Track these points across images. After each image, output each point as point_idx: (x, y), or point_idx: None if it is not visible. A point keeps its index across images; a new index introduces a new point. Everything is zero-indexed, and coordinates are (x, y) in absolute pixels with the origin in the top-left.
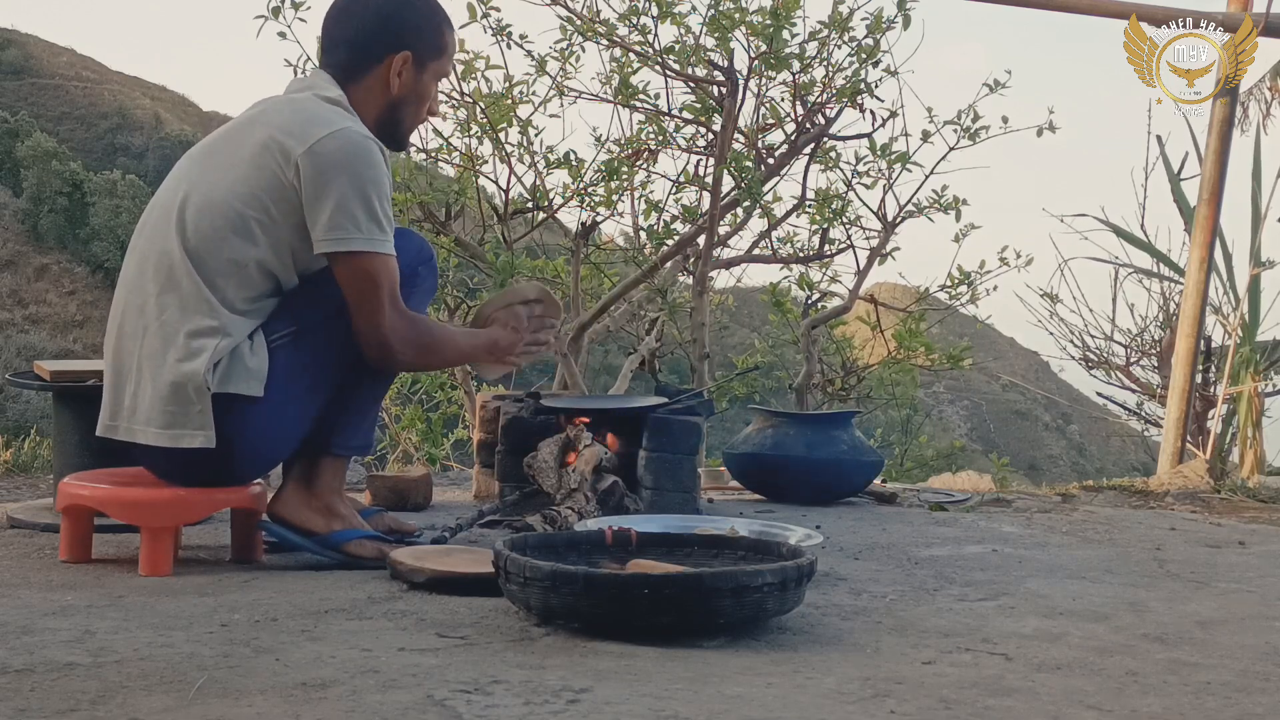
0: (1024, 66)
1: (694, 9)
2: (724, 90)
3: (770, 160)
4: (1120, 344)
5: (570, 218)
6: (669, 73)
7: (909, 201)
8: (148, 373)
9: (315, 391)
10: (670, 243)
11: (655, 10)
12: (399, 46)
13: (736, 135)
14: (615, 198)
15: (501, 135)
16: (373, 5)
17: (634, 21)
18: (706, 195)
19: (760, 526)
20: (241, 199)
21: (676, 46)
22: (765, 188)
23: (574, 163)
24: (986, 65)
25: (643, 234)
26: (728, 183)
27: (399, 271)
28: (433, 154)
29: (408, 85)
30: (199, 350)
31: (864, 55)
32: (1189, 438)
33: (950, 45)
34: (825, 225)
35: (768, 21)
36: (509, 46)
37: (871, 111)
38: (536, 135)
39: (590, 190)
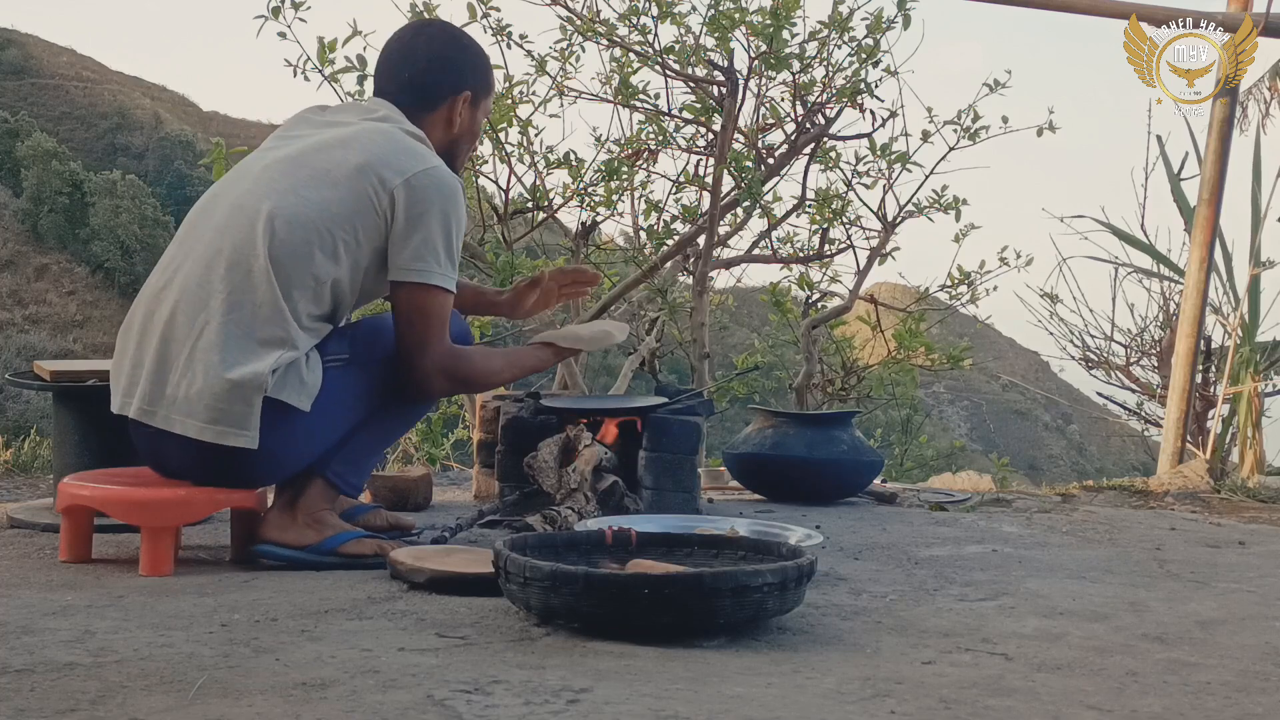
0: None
1: (694, 9)
2: (724, 90)
3: (770, 160)
4: (1120, 344)
5: (570, 218)
6: (669, 73)
7: (909, 201)
8: (201, 367)
9: (346, 419)
10: (670, 243)
11: (655, 10)
12: (460, 87)
13: (736, 135)
14: (615, 198)
15: (501, 135)
16: (434, 48)
17: (634, 21)
18: (706, 195)
19: (760, 526)
20: (334, 219)
21: (676, 46)
22: (765, 188)
23: (574, 163)
24: (985, 65)
25: (643, 234)
26: (728, 183)
27: None
28: None
29: (465, 124)
30: (266, 356)
31: (864, 55)
32: (1189, 438)
33: (948, 45)
34: (825, 225)
35: (768, 21)
36: (509, 46)
37: (871, 111)
38: (536, 135)
39: (590, 190)
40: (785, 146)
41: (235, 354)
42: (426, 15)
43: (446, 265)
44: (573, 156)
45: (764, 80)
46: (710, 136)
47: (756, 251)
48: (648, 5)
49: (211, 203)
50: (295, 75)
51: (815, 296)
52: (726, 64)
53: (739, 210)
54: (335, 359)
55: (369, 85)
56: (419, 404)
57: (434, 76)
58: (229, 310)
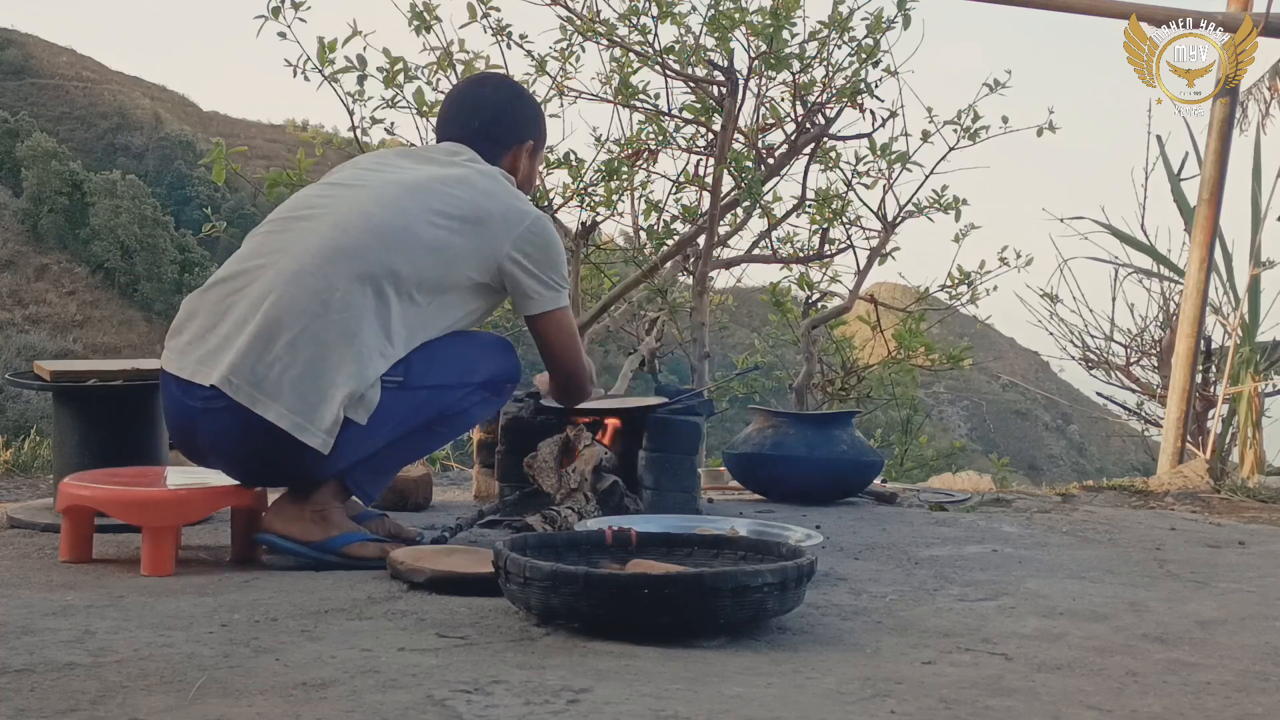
0: (1024, 66)
1: (694, 9)
2: (724, 90)
3: (770, 160)
4: (1120, 344)
5: (570, 218)
6: (669, 73)
7: (909, 201)
8: (306, 357)
9: (384, 436)
10: (670, 243)
11: (655, 10)
12: (524, 137)
13: (736, 135)
14: (615, 198)
15: None
16: (500, 99)
17: (634, 21)
18: (706, 195)
19: (760, 526)
20: (459, 254)
21: (676, 46)
22: (765, 188)
23: (574, 163)
24: (984, 65)
25: (643, 234)
26: (728, 183)
27: (488, 375)
28: None
29: (526, 171)
30: (368, 368)
31: (864, 55)
32: (1189, 438)
33: (948, 45)
34: (825, 225)
35: (768, 21)
36: (509, 46)
37: (871, 111)
38: None
39: (590, 190)
40: (785, 146)
41: (341, 357)
42: (427, 16)
43: (565, 285)
44: (573, 156)
45: (764, 80)
46: (710, 136)
47: (756, 251)
48: (648, 5)
49: (320, 202)
50: (295, 75)
51: (815, 296)
52: (726, 64)
53: (739, 210)
54: (391, 380)
55: (369, 85)
56: (474, 420)
57: (500, 128)
58: (361, 316)
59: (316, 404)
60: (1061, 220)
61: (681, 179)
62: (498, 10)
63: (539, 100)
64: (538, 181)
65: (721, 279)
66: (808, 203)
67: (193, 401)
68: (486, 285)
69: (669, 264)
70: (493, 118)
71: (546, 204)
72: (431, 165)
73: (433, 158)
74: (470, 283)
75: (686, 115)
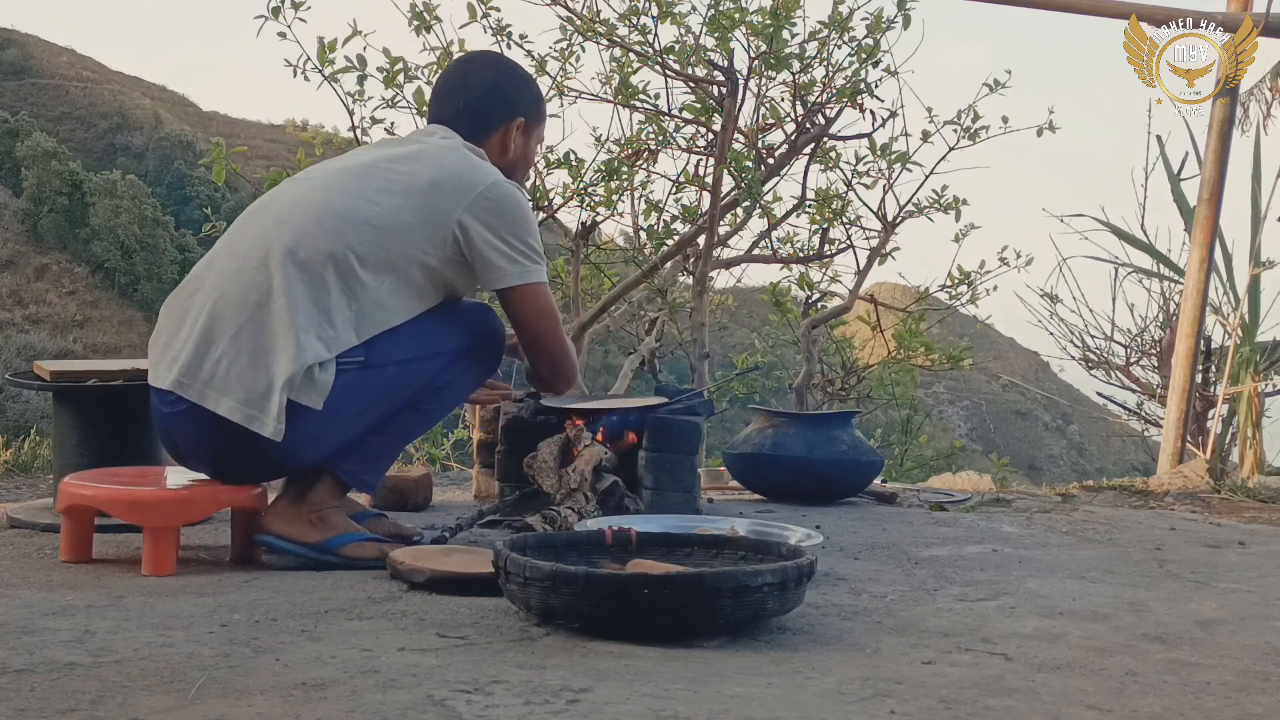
0: (1024, 66)
1: (694, 9)
2: (724, 90)
3: (770, 160)
4: (1120, 344)
5: (570, 218)
6: (669, 73)
7: (909, 201)
8: (246, 349)
9: (359, 420)
10: (670, 243)
11: (655, 10)
12: (513, 114)
13: (736, 135)
14: (615, 198)
15: None
16: (490, 76)
17: (634, 21)
18: (706, 195)
19: (760, 526)
20: (404, 228)
21: (676, 46)
22: (765, 188)
23: (574, 163)
24: (984, 65)
25: (643, 234)
26: (728, 183)
27: (463, 342)
28: None
29: (519, 150)
30: (314, 352)
31: (864, 55)
32: (1189, 438)
33: (948, 45)
34: (825, 225)
35: (768, 21)
36: (509, 46)
37: (871, 111)
38: None
39: (590, 190)
40: (785, 146)
41: (283, 344)
42: (427, 16)
43: (543, 259)
44: (573, 156)
45: (764, 80)
46: (710, 136)
47: (756, 251)
48: (648, 5)
49: (271, 199)
50: (295, 75)
51: (815, 296)
52: (726, 64)
53: (739, 210)
54: (350, 361)
55: (369, 85)
56: (459, 393)
57: (487, 104)
58: (293, 300)
59: (265, 394)
60: (1061, 219)
61: (681, 179)
62: (498, 10)
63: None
64: (536, 166)
65: (721, 279)
66: (808, 203)
67: (165, 407)
68: (450, 259)
69: (669, 264)
70: (478, 96)
71: (547, 204)
72: (388, 147)
73: (401, 140)
74: (427, 257)
75: (686, 115)
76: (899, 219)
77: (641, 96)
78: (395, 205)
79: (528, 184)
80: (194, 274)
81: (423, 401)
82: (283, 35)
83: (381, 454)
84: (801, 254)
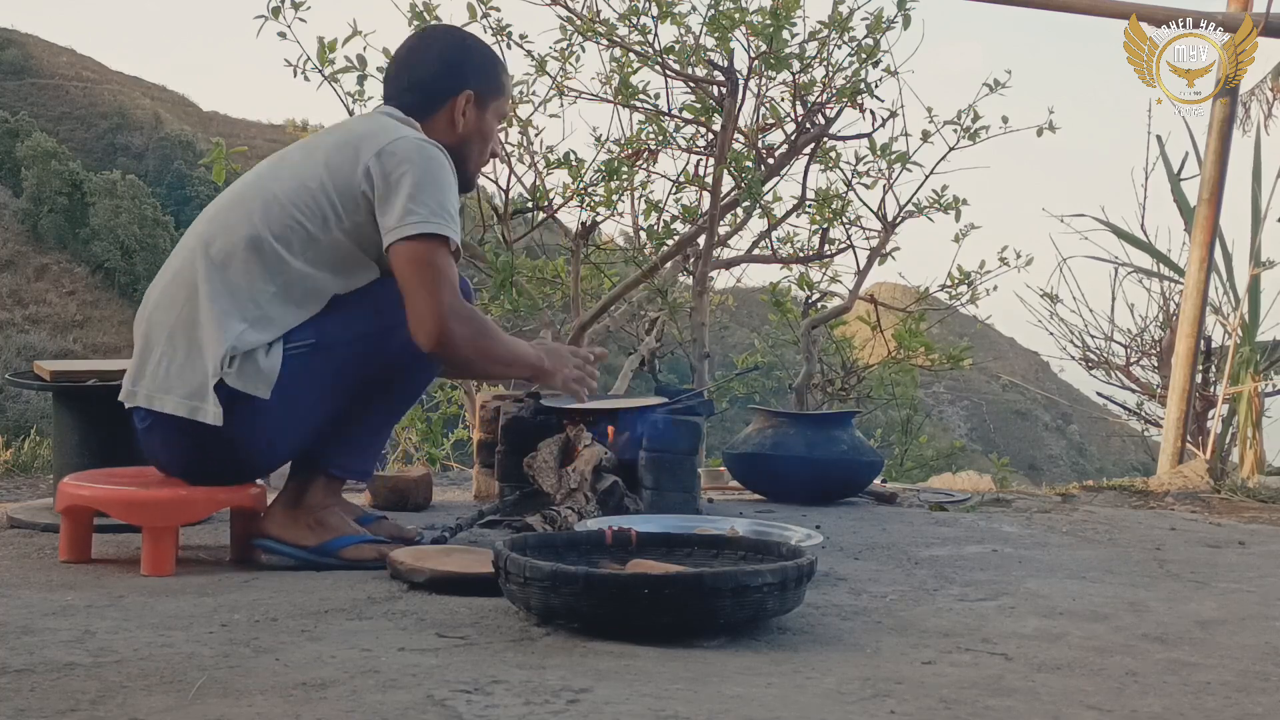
0: (1023, 66)
1: (694, 9)
2: (724, 90)
3: (770, 160)
4: (1120, 344)
5: (570, 218)
6: (669, 73)
7: (909, 201)
8: (181, 344)
9: (320, 406)
10: (670, 243)
11: (655, 10)
12: (461, 87)
13: (736, 135)
14: (615, 198)
15: (501, 135)
16: (435, 49)
17: (634, 21)
18: (706, 195)
19: (760, 526)
20: (309, 192)
21: (676, 46)
22: (765, 188)
23: (574, 163)
24: (984, 65)
25: (643, 234)
26: (728, 183)
27: None
28: None
29: (471, 124)
30: (236, 332)
31: (864, 55)
32: (1189, 438)
33: (948, 45)
34: (825, 225)
35: (768, 21)
36: (509, 46)
37: (871, 111)
38: (536, 135)
39: (590, 190)
40: (785, 146)
41: (208, 333)
42: (427, 16)
43: (443, 215)
44: (573, 156)
45: (764, 80)
46: (710, 136)
47: (756, 251)
48: (648, 5)
49: (215, 201)
50: (295, 75)
51: (815, 296)
52: (726, 64)
53: (739, 210)
54: (299, 345)
55: (369, 85)
56: (432, 365)
57: (433, 78)
58: (211, 290)
59: (204, 384)
60: (1061, 219)
61: (681, 179)
62: (498, 10)
63: (496, 56)
64: (537, 166)
65: (721, 279)
66: (808, 203)
67: (139, 424)
68: (366, 222)
69: (669, 264)
70: (425, 71)
71: (547, 204)
72: (320, 134)
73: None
74: (342, 222)
75: (686, 115)
76: (899, 219)
77: (641, 96)
78: (300, 176)
79: (529, 183)
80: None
81: (393, 378)
82: (283, 35)
83: (368, 440)
84: (801, 254)
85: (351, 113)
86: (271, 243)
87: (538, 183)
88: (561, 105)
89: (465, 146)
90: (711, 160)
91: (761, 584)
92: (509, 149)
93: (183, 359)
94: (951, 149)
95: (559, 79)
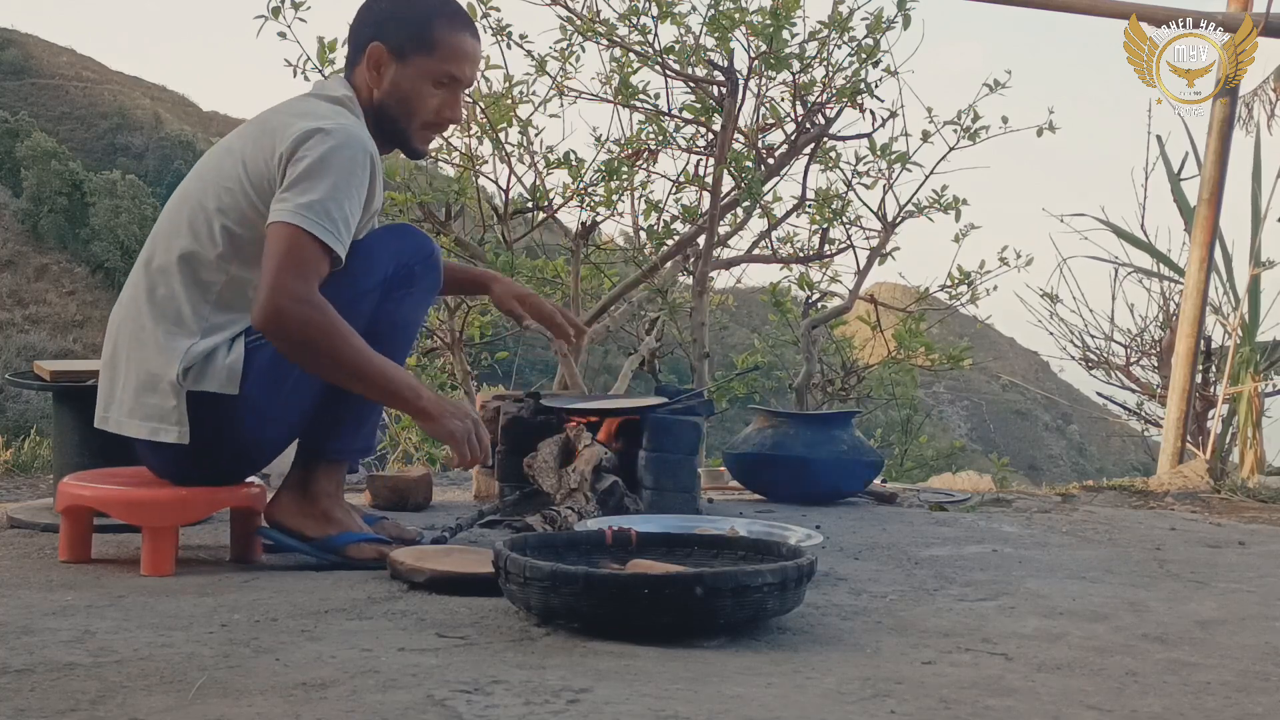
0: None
1: (694, 9)
2: (724, 90)
3: (770, 160)
4: (1120, 344)
5: (570, 218)
6: (669, 73)
7: (909, 201)
8: (134, 366)
9: (299, 392)
10: (670, 243)
11: (655, 10)
12: (371, 37)
13: (736, 135)
14: (615, 198)
15: (501, 135)
16: (367, 3)
17: (634, 21)
18: (706, 195)
19: (760, 527)
20: (231, 194)
21: (676, 46)
22: (765, 188)
23: (574, 163)
24: (984, 65)
25: (643, 234)
26: (728, 183)
27: (386, 271)
28: (433, 154)
29: (392, 82)
30: (178, 346)
31: (864, 55)
32: (1189, 438)
33: (947, 45)
34: (825, 225)
35: (768, 21)
36: (509, 46)
37: (871, 111)
38: (536, 135)
39: (590, 190)
40: (785, 146)
41: (156, 349)
42: None
43: (320, 213)
44: (573, 156)
45: (764, 80)
46: (710, 136)
47: (756, 251)
48: (648, 5)
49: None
50: (295, 75)
51: (815, 296)
52: (726, 64)
53: (739, 210)
54: (260, 336)
55: None
56: (410, 332)
57: (354, 26)
58: (152, 306)
59: (160, 400)
60: (1061, 219)
61: (681, 179)
62: (498, 10)
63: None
64: (536, 166)
65: (721, 279)
66: (808, 203)
67: (123, 452)
68: None
69: (669, 264)
70: (353, 25)
71: (547, 204)
72: (246, 125)
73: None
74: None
75: (686, 115)
76: (899, 219)
77: (641, 96)
78: (221, 178)
79: (529, 183)
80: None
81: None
82: (283, 35)
83: (359, 418)
84: (801, 254)
85: None
86: (201, 255)
87: (538, 183)
88: (561, 105)
89: (382, 108)
90: (711, 160)
91: (761, 584)
92: (509, 149)
93: (137, 384)
94: (951, 149)
95: (559, 79)
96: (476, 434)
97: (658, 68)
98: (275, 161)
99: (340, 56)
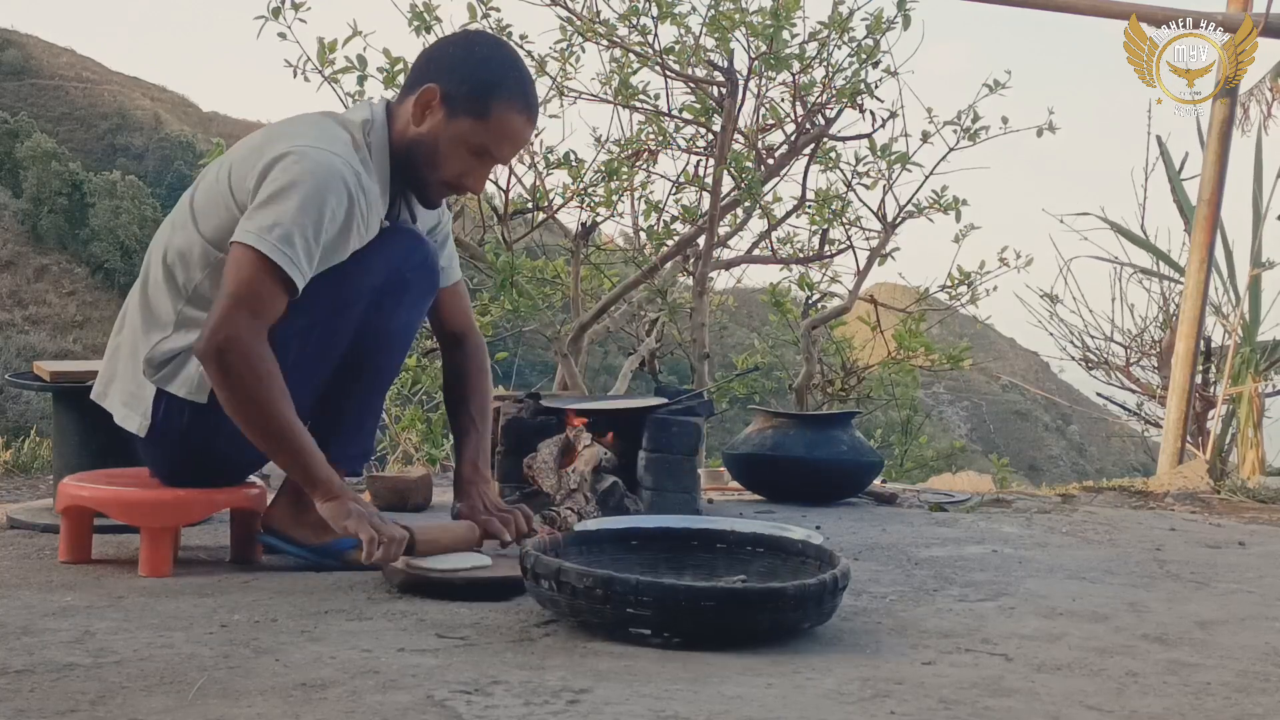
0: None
1: (694, 9)
2: (724, 91)
3: (770, 160)
4: (1120, 344)
5: (570, 218)
6: (669, 73)
7: (909, 202)
8: (124, 348)
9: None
10: (670, 243)
11: (655, 10)
12: (424, 80)
13: (736, 135)
14: (615, 198)
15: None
16: (446, 39)
17: (634, 22)
18: (706, 195)
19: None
20: (215, 209)
21: (676, 47)
22: (765, 188)
23: (574, 163)
24: (971, 64)
25: (643, 234)
26: (728, 183)
27: (378, 279)
28: None
29: (435, 126)
30: (151, 337)
31: (864, 56)
32: (1189, 438)
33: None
34: (825, 225)
35: (768, 22)
36: None
37: (871, 112)
38: (536, 135)
39: (590, 190)
40: (785, 147)
41: (138, 336)
42: (427, 16)
43: (280, 237)
44: (573, 157)
45: (764, 81)
46: (710, 137)
47: (756, 252)
48: (648, 5)
49: None
50: (295, 76)
51: (815, 297)
52: (726, 64)
53: (739, 211)
54: None
55: (369, 85)
56: (404, 339)
57: (422, 60)
58: (145, 302)
59: (132, 395)
60: (1061, 219)
61: (681, 179)
62: (498, 10)
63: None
64: (537, 168)
65: (721, 279)
66: (807, 203)
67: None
68: None
69: (669, 264)
70: (420, 56)
71: (547, 204)
72: (242, 142)
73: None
74: None
75: (686, 116)
76: (899, 219)
77: (641, 97)
78: (211, 193)
79: (529, 183)
80: None
81: (366, 357)
82: (283, 36)
83: (356, 424)
84: (801, 254)
85: None
86: (185, 253)
87: (538, 183)
88: (561, 106)
89: (415, 148)
90: (711, 161)
91: (837, 588)
92: None
93: (122, 366)
94: (951, 149)
95: (559, 79)
96: (390, 544)
97: (657, 68)
98: (254, 178)
99: (340, 59)
